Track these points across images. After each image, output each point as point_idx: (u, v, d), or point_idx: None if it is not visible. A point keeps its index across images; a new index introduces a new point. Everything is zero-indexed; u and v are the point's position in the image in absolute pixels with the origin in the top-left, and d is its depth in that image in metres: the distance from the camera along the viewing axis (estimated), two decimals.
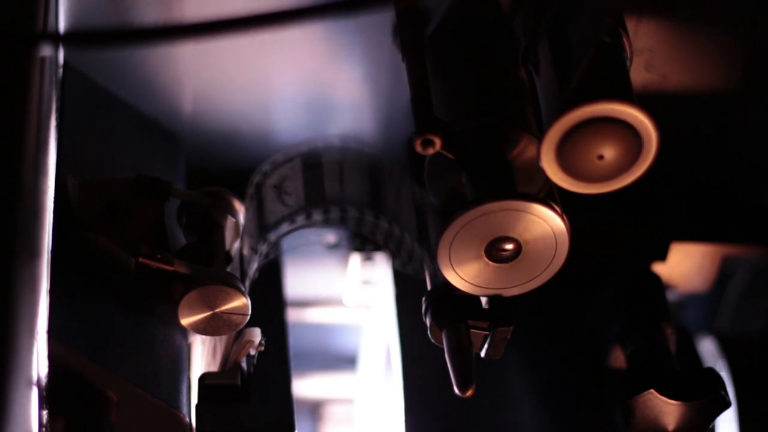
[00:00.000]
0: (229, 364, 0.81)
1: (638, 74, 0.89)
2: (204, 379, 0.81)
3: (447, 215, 0.76)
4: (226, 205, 0.84)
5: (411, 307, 0.88)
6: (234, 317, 0.78)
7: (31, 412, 0.65)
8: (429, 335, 0.79)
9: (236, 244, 0.84)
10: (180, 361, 0.79)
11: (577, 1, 0.74)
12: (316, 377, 1.18)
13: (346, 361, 1.17)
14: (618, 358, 0.90)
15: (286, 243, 0.88)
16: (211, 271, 0.79)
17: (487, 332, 0.78)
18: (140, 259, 0.77)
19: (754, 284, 1.05)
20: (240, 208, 0.84)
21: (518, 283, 0.78)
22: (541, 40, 0.76)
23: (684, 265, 0.97)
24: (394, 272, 0.97)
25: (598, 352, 0.91)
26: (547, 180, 0.75)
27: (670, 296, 0.98)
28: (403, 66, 0.81)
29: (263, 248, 0.84)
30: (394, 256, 0.86)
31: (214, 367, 0.82)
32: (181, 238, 0.84)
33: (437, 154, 0.76)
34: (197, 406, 0.80)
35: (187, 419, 0.76)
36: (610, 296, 0.94)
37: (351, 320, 1.12)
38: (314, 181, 0.85)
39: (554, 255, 0.77)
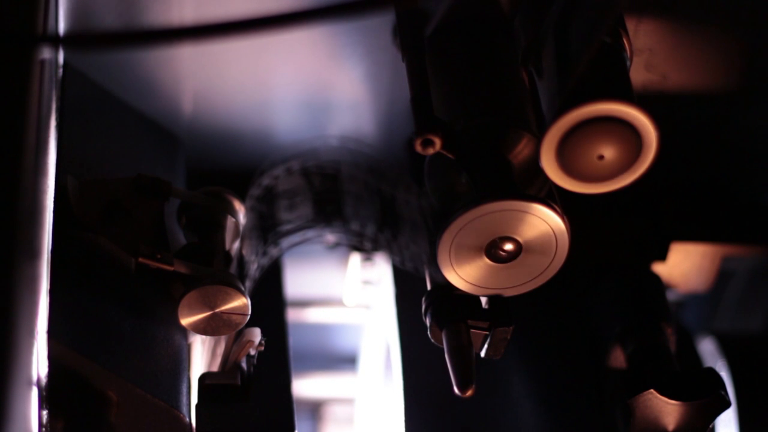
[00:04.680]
0: (229, 364, 0.81)
1: (638, 74, 0.89)
2: (204, 379, 0.81)
3: (447, 215, 0.76)
4: (226, 205, 0.84)
5: (411, 307, 0.88)
6: (234, 317, 0.78)
7: (31, 412, 0.65)
8: (429, 335, 0.79)
9: (236, 244, 0.84)
10: (180, 361, 0.79)
11: (577, 1, 0.74)
12: (316, 377, 1.18)
13: (346, 361, 1.17)
14: (618, 358, 0.90)
15: (286, 242, 0.88)
16: (211, 271, 0.79)
17: (487, 332, 0.78)
18: (140, 259, 0.77)
19: (754, 284, 1.05)
20: (240, 208, 0.84)
21: (518, 283, 0.78)
22: (542, 40, 0.76)
23: (684, 265, 0.97)
24: (394, 272, 0.97)
25: (598, 352, 0.91)
26: (547, 180, 0.75)
27: (670, 296, 0.98)
28: (403, 66, 0.81)
29: (264, 248, 0.84)
30: (394, 256, 0.86)
31: (214, 367, 0.82)
32: (181, 238, 0.84)
33: (437, 154, 0.76)
34: (197, 406, 0.80)
35: (187, 419, 0.76)
36: (610, 296, 0.94)
37: (351, 320, 1.12)
38: (314, 182, 0.85)
39: (554, 255, 0.77)
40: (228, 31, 0.63)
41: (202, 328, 0.78)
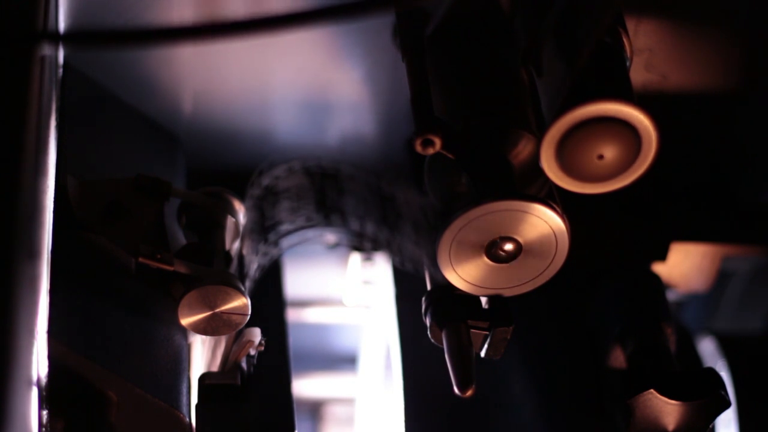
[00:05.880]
0: (229, 364, 0.81)
1: (638, 74, 0.89)
2: (204, 379, 0.81)
3: (447, 215, 0.76)
4: (226, 205, 0.84)
5: (411, 307, 0.88)
6: (234, 317, 0.78)
7: (31, 412, 0.65)
8: (429, 335, 0.79)
9: (236, 244, 0.84)
10: (180, 361, 0.79)
11: (576, 1, 0.74)
12: (316, 377, 1.18)
13: (346, 361, 1.17)
14: (618, 358, 0.90)
15: (286, 242, 0.88)
16: (211, 271, 0.79)
17: (487, 332, 0.78)
18: (140, 259, 0.77)
19: (754, 284, 1.05)
20: (240, 208, 0.84)
21: (518, 283, 0.78)
22: (542, 39, 0.76)
23: (684, 265, 0.97)
24: (394, 272, 0.97)
25: (598, 352, 0.91)
26: (547, 180, 0.75)
27: (670, 296, 0.98)
28: (403, 66, 0.81)
29: (263, 248, 0.85)
30: (394, 256, 0.86)
31: (214, 367, 0.82)
32: (181, 238, 0.84)
33: (437, 154, 0.76)
34: (197, 406, 0.80)
35: (187, 419, 0.76)
36: (610, 296, 0.94)
37: (351, 320, 1.12)
38: (314, 182, 0.85)
39: (554, 255, 0.77)
40: (228, 31, 0.63)
41: (202, 328, 0.78)
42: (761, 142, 0.97)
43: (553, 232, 0.76)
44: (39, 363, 0.67)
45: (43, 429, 0.72)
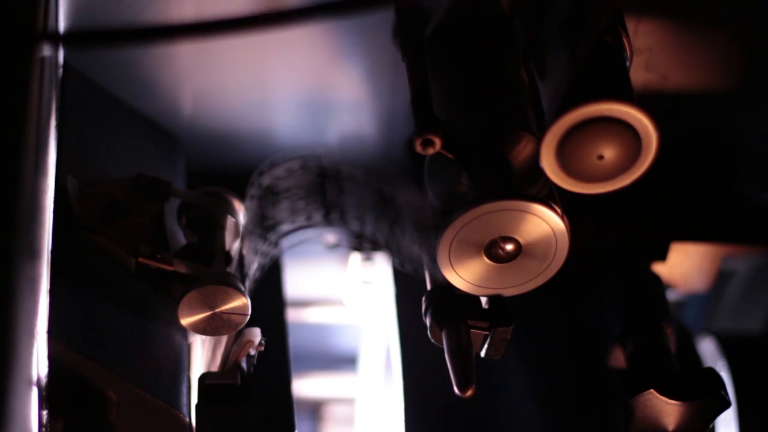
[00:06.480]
0: (229, 364, 0.81)
1: (638, 74, 0.89)
2: (204, 379, 0.81)
3: (447, 215, 0.76)
4: (226, 205, 0.84)
5: (411, 307, 0.88)
6: (234, 317, 0.78)
7: (31, 412, 0.65)
8: (429, 335, 0.79)
9: (236, 244, 0.84)
10: (180, 361, 0.79)
11: (576, 1, 0.74)
12: (316, 377, 1.18)
13: (346, 361, 1.17)
14: (618, 358, 0.90)
15: (286, 242, 0.88)
16: (211, 271, 0.79)
17: (487, 332, 0.78)
18: (140, 259, 0.78)
19: (754, 284, 1.05)
20: (240, 208, 0.84)
21: (518, 283, 0.78)
22: (541, 40, 0.76)
23: (684, 265, 0.97)
24: (394, 272, 0.97)
25: (598, 352, 0.91)
26: (547, 180, 0.75)
27: (670, 296, 0.98)
28: (403, 66, 0.81)
29: (263, 248, 0.85)
30: (394, 256, 0.86)
31: (214, 367, 0.82)
32: (181, 238, 0.84)
33: (437, 154, 0.76)
34: (197, 406, 0.80)
35: (187, 419, 0.76)
36: (610, 296, 0.94)
37: (351, 320, 1.12)
38: (314, 182, 0.85)
39: (554, 255, 0.77)
40: (227, 28, 0.63)
41: (202, 328, 0.78)
42: (761, 141, 0.97)
43: (553, 232, 0.76)
44: (39, 363, 0.67)
45: (43, 429, 0.72)
